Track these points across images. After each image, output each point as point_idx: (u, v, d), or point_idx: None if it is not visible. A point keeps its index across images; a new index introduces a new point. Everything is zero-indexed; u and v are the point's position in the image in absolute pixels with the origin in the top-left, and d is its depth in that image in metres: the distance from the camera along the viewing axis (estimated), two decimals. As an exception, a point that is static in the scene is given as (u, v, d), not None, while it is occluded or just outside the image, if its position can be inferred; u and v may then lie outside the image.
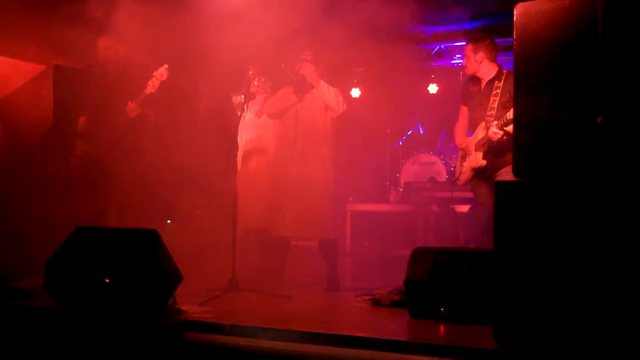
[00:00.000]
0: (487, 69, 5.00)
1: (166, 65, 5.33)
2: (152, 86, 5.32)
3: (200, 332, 3.56)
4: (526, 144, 3.10)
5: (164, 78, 5.33)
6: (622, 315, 2.81)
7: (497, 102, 4.86)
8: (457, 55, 9.12)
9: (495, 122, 4.74)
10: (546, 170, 3.08)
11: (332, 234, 5.05)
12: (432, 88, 9.59)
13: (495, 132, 4.72)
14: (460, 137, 5.23)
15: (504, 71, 4.96)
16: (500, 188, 3.13)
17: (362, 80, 9.74)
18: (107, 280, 3.57)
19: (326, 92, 5.04)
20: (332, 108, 5.07)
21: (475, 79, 5.18)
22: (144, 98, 5.36)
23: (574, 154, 3.00)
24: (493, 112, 4.86)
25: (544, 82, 3.08)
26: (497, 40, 5.14)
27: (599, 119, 2.94)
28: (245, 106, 5.34)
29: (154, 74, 5.33)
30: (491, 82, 4.97)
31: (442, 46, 9.26)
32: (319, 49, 5.09)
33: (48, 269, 3.84)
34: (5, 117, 6.19)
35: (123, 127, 5.44)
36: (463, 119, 5.26)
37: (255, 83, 5.41)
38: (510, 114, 4.57)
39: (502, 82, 4.89)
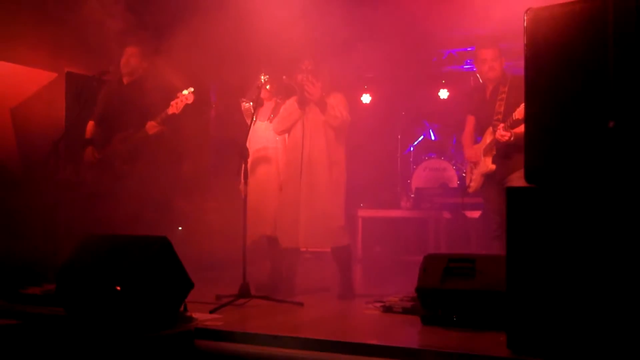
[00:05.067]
0: (499, 74, 5.00)
1: (192, 89, 5.33)
2: (175, 107, 5.30)
3: (210, 340, 3.55)
4: (538, 149, 3.08)
5: (190, 102, 5.32)
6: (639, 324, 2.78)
7: (503, 106, 4.87)
8: (468, 60, 9.09)
9: (501, 125, 4.75)
10: (558, 175, 3.05)
11: (345, 240, 5.02)
12: (443, 93, 9.56)
13: (502, 134, 4.73)
14: (469, 147, 5.22)
15: (509, 75, 4.97)
16: (512, 194, 3.11)
17: (372, 86, 9.73)
18: (118, 288, 3.57)
19: (331, 114, 4.95)
20: (338, 128, 5.03)
21: (480, 87, 5.19)
22: (165, 117, 5.36)
23: (586, 159, 2.98)
24: (500, 115, 4.88)
25: (555, 87, 3.06)
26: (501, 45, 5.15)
27: (611, 123, 2.91)
28: (254, 113, 5.32)
29: (179, 95, 5.31)
30: (496, 87, 4.98)
31: (452, 51, 9.24)
32: (320, 57, 5.05)
33: (59, 276, 3.86)
34: (18, 124, 6.22)
35: (137, 142, 5.46)
36: (469, 128, 5.27)
37: (267, 87, 5.38)
38: (516, 114, 4.59)
39: (507, 86, 4.89)
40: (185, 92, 5.33)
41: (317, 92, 4.91)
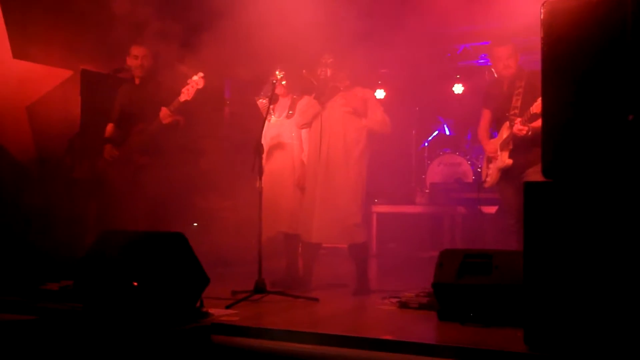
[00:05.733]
0: (515, 71, 4.97)
1: (201, 74, 5.32)
2: (187, 94, 5.30)
3: (227, 335, 3.56)
4: (555, 143, 3.05)
5: (200, 86, 5.32)
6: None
7: (520, 101, 4.85)
8: (483, 55, 9.04)
9: (519, 119, 4.72)
10: (576, 169, 3.03)
11: (362, 238, 5.01)
12: (458, 88, 9.51)
13: (520, 129, 4.71)
14: (486, 141, 5.19)
15: (525, 70, 4.93)
16: (530, 189, 3.09)
17: (386, 81, 9.70)
18: (135, 284, 3.59)
19: (374, 119, 5.00)
20: (379, 132, 5.06)
21: (497, 81, 5.15)
22: (178, 105, 5.36)
23: (605, 153, 2.95)
24: (516, 110, 4.85)
25: (573, 81, 3.03)
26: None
27: (630, 117, 2.88)
28: (270, 109, 5.32)
29: (189, 81, 5.31)
30: (512, 82, 4.95)
31: (467, 46, 9.19)
32: (340, 51, 5.05)
33: (76, 271, 3.88)
34: (34, 122, 6.27)
35: (153, 132, 5.47)
36: (485, 122, 5.24)
37: (283, 83, 5.38)
38: (533, 109, 4.57)
39: (523, 81, 4.86)
40: (195, 77, 5.32)
41: (359, 104, 4.95)
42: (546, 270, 2.98)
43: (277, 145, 5.47)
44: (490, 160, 5.17)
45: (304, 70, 5.16)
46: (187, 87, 5.31)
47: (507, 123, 4.94)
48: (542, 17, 3.09)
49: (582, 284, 2.90)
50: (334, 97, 5.07)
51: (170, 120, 5.41)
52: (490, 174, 5.12)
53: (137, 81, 5.62)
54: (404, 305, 4.24)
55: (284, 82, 5.36)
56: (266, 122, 5.16)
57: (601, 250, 2.87)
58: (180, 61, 5.57)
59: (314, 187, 5.00)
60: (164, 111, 5.37)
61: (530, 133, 4.67)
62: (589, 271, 2.89)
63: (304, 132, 5.35)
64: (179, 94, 5.34)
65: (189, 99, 5.32)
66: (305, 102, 5.19)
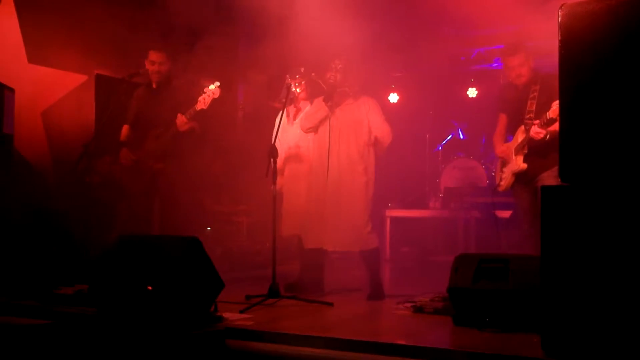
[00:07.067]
0: (528, 79, 4.94)
1: (218, 83, 5.34)
2: (203, 102, 5.32)
3: (241, 340, 3.55)
4: (573, 147, 3.03)
5: (216, 96, 5.33)
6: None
7: (535, 105, 4.82)
8: (497, 59, 9.01)
9: (537, 122, 4.69)
10: (594, 173, 2.99)
11: (374, 243, 4.99)
12: (472, 92, 9.48)
13: (538, 132, 4.67)
14: (500, 145, 5.16)
15: (539, 74, 4.90)
16: (547, 193, 3.06)
17: (400, 85, 9.68)
18: (150, 288, 3.60)
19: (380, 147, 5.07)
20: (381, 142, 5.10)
21: (511, 85, 5.12)
22: (194, 113, 5.38)
23: (623, 157, 2.92)
24: (532, 114, 4.82)
25: (591, 84, 3.00)
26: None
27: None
28: (285, 112, 5.31)
29: (206, 90, 5.33)
30: (527, 85, 4.91)
31: (481, 50, 9.16)
32: (353, 55, 5.04)
33: (91, 276, 3.89)
34: (49, 126, 6.31)
35: (170, 139, 5.48)
36: (501, 126, 5.21)
37: (299, 90, 5.38)
38: (550, 114, 4.53)
39: (538, 84, 4.83)
40: (211, 87, 5.34)
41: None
42: (563, 276, 2.95)
43: (294, 148, 5.47)
44: (504, 164, 5.14)
45: (312, 73, 5.16)
46: (203, 96, 5.33)
47: (522, 127, 4.91)
48: (559, 20, 3.06)
49: (600, 289, 2.87)
50: (343, 104, 5.05)
51: (186, 128, 5.42)
52: (504, 177, 5.09)
53: (154, 85, 5.64)
54: (418, 310, 4.22)
55: (299, 90, 5.35)
56: (280, 125, 5.15)
57: (620, 255, 2.83)
58: (201, 69, 5.59)
59: (321, 193, 4.97)
60: (181, 119, 5.39)
61: (548, 137, 4.63)
62: (607, 276, 2.86)
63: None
64: (195, 101, 5.35)
65: (205, 107, 5.34)
66: (313, 107, 5.17)
